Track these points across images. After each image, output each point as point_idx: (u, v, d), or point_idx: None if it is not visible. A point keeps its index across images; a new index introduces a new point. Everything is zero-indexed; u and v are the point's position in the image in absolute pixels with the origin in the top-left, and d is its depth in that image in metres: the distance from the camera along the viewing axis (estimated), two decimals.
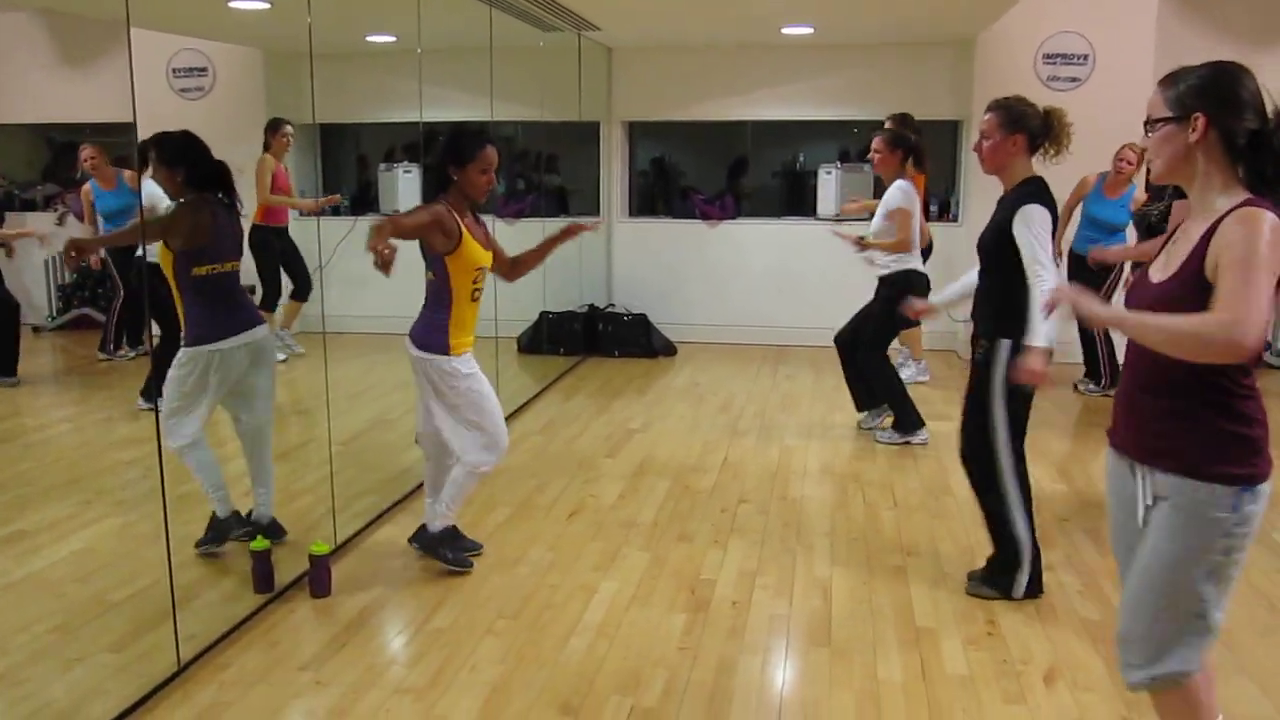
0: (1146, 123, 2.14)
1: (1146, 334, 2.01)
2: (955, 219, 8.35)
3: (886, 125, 6.46)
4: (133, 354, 6.54)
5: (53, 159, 7.98)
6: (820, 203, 8.52)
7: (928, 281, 5.73)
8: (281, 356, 6.44)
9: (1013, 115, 3.46)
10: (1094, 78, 7.37)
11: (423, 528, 4.02)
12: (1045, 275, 3.34)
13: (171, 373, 3.78)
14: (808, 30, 7.59)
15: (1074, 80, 7.42)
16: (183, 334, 3.78)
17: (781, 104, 8.60)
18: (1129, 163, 6.29)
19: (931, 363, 7.29)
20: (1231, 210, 2.00)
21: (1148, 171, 5.63)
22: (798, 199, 9.44)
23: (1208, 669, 2.22)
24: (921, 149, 5.82)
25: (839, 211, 5.79)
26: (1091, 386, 6.78)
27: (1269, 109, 2.04)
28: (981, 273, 3.63)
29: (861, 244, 5.66)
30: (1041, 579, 3.66)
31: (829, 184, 8.43)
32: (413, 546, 4.08)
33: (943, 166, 8.87)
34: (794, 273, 8.51)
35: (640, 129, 9.36)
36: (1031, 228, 3.38)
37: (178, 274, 3.71)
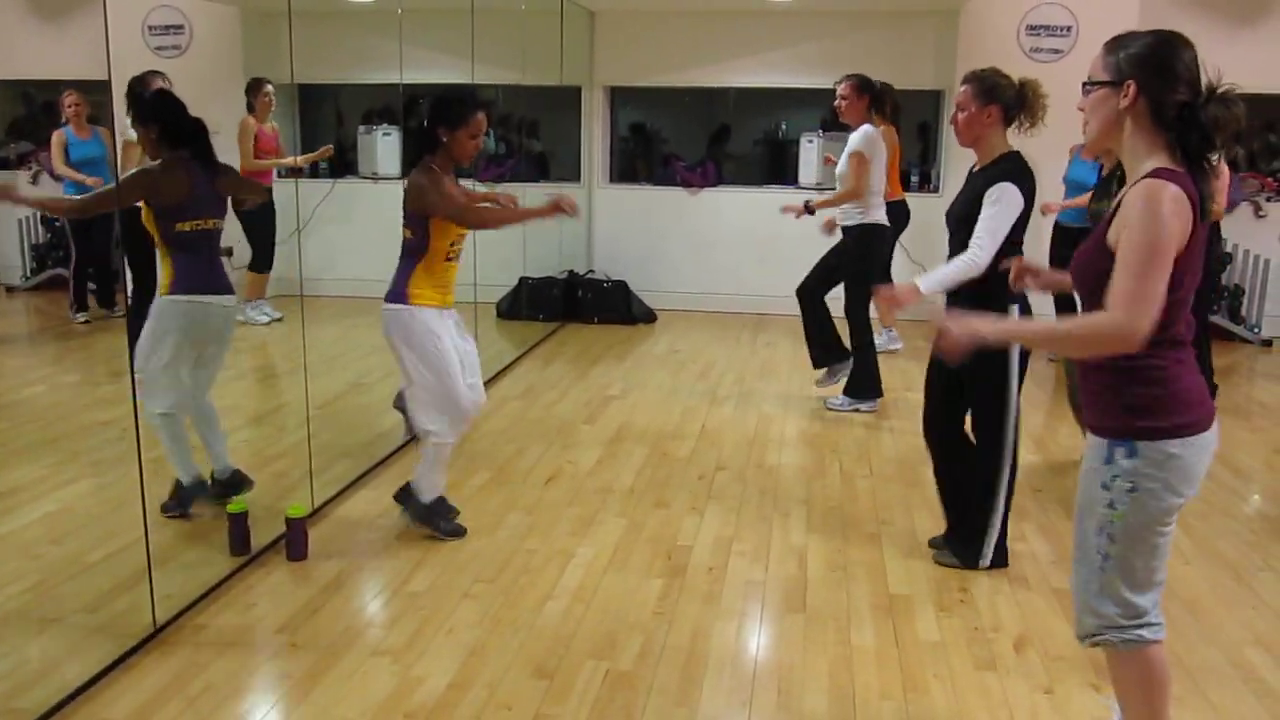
0: (1085, 83, 2.19)
1: (1042, 342, 2.04)
2: (936, 190, 8.37)
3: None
4: (85, 319, 6.45)
5: (28, 116, 7.86)
6: (802, 170, 8.52)
7: (892, 236, 5.72)
8: (264, 320, 6.41)
9: (987, 86, 3.46)
10: (1076, 50, 7.36)
11: (409, 490, 3.96)
12: (981, 254, 3.37)
13: (149, 326, 3.74)
14: None
15: (1056, 52, 7.42)
16: (170, 284, 3.74)
17: (764, 71, 8.56)
18: None
19: (907, 333, 7.33)
20: (1140, 180, 2.04)
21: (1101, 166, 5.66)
22: (779, 167, 9.42)
23: (1160, 644, 2.24)
24: (889, 98, 5.75)
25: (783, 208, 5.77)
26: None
27: (1202, 83, 2.07)
28: (951, 244, 3.63)
29: (809, 209, 5.62)
30: (1007, 551, 3.71)
31: (811, 152, 8.42)
32: (400, 508, 4.01)
33: (923, 137, 8.89)
34: (774, 241, 8.50)
35: (622, 94, 9.29)
36: (1000, 205, 3.40)
37: (161, 230, 3.69)
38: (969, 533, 3.68)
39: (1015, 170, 3.44)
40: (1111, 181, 4.73)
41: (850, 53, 8.28)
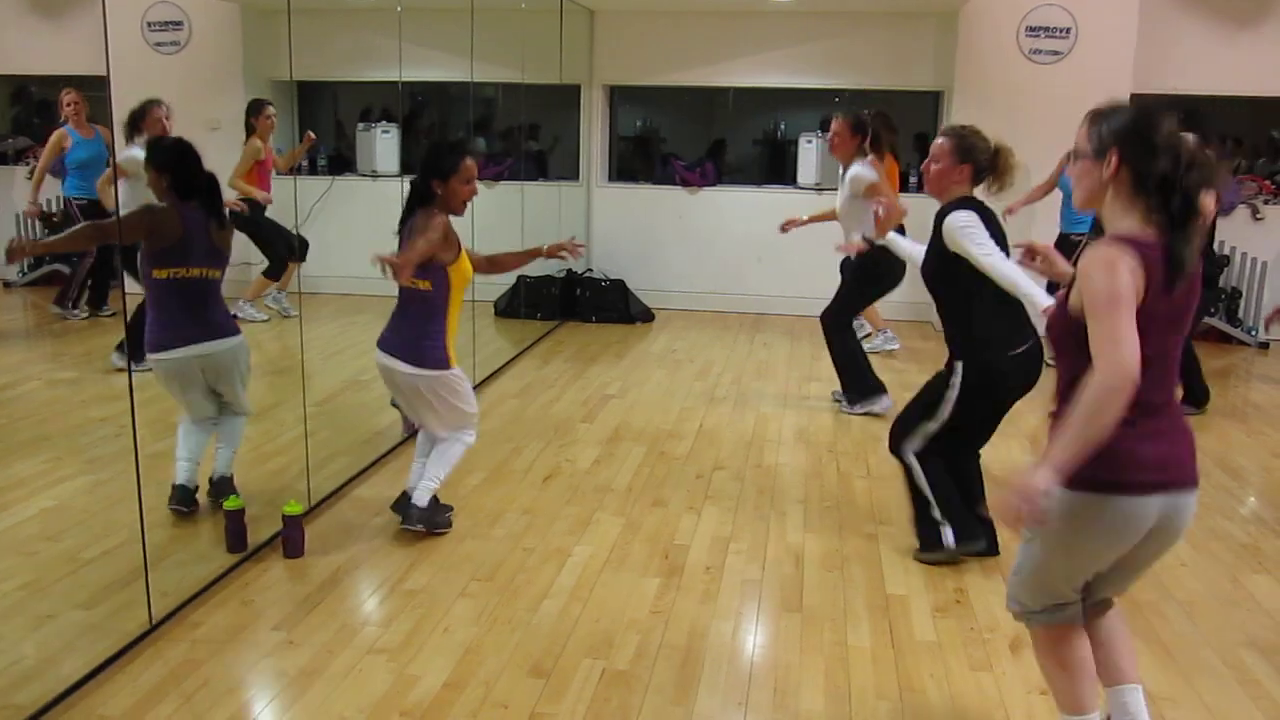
0: (1073, 154, 2.27)
1: (1077, 445, 2.04)
2: None
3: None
4: (86, 315, 6.43)
5: (24, 111, 7.84)
6: (800, 171, 8.52)
7: (901, 267, 5.72)
8: (263, 317, 6.41)
9: (965, 146, 3.56)
10: (1076, 51, 7.36)
11: (407, 499, 3.92)
12: (995, 257, 3.42)
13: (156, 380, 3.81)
14: None
15: (1056, 54, 7.42)
16: (146, 340, 3.73)
17: (763, 71, 8.56)
18: None
19: (905, 334, 7.32)
20: (1097, 246, 2.12)
21: None
22: (778, 167, 9.43)
23: (1072, 627, 2.38)
24: (881, 137, 5.73)
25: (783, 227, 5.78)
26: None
27: (1183, 154, 2.12)
28: (939, 301, 3.71)
29: (869, 244, 4.98)
30: (996, 537, 3.75)
31: (809, 152, 8.43)
32: (400, 519, 3.95)
33: (922, 137, 8.89)
34: (773, 241, 8.42)
35: (621, 94, 9.29)
36: (959, 228, 3.46)
37: (142, 272, 3.68)
38: (922, 520, 3.77)
39: (966, 203, 3.52)
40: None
41: (850, 53, 8.29)
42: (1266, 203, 7.89)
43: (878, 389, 5.71)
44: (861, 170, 5.53)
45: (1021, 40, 7.48)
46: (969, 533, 3.70)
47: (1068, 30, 7.41)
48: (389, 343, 3.75)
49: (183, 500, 3.89)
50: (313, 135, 7.10)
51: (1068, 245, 6.25)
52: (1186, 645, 3.18)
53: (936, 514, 3.70)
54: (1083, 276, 2.10)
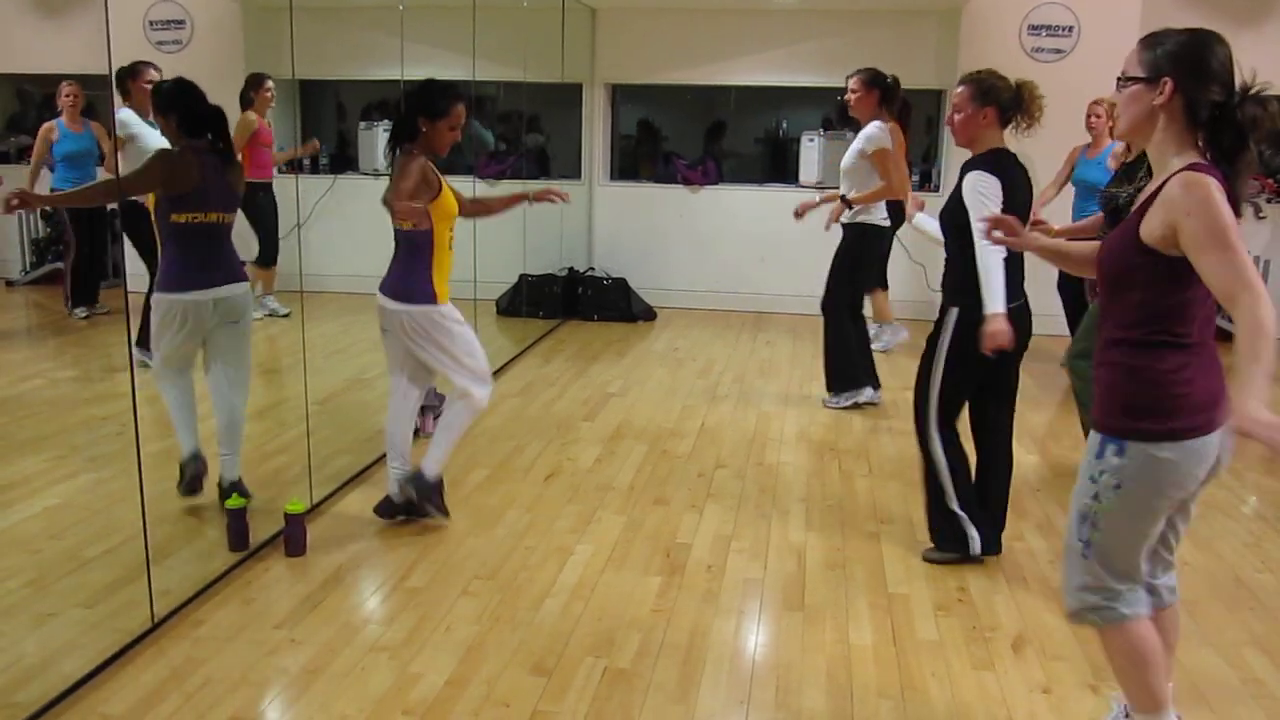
0: (1120, 78, 2.19)
1: (1265, 377, 1.94)
2: (937, 188, 8.36)
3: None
4: (85, 314, 6.44)
5: (23, 109, 7.85)
6: (802, 169, 8.52)
7: (889, 233, 5.70)
8: (285, 310, 6.42)
9: (984, 88, 3.48)
10: (1078, 50, 7.37)
11: (390, 503, 3.97)
12: (984, 244, 3.35)
13: (152, 316, 3.76)
14: None
15: (1058, 52, 7.42)
16: (159, 279, 3.73)
17: (765, 69, 8.56)
18: (1098, 117, 6.21)
19: (910, 331, 7.32)
20: (1176, 173, 2.06)
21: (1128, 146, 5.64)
22: (780, 165, 9.42)
23: (1141, 619, 2.32)
24: (898, 93, 5.71)
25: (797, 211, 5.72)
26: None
27: (1236, 83, 2.08)
28: (947, 245, 3.65)
29: (848, 204, 5.50)
30: (999, 539, 3.74)
31: (811, 151, 8.42)
32: (384, 521, 4.00)
33: (924, 136, 8.88)
34: (775, 239, 8.49)
35: (623, 92, 9.29)
36: (974, 191, 3.41)
37: (159, 218, 3.68)
38: (946, 528, 3.72)
39: (994, 161, 3.46)
40: (1138, 167, 4.71)
41: (852, 52, 8.26)
42: (1269, 201, 7.88)
43: (859, 380, 5.69)
44: (876, 132, 5.44)
45: (1024, 38, 7.48)
46: (997, 543, 3.71)
47: (1070, 29, 7.40)
48: (383, 283, 3.80)
49: (189, 468, 3.92)
50: (318, 144, 7.12)
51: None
52: (1189, 645, 3.17)
53: (954, 505, 3.65)
54: (1178, 205, 2.02)
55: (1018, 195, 3.44)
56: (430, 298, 3.73)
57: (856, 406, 5.71)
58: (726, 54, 8.56)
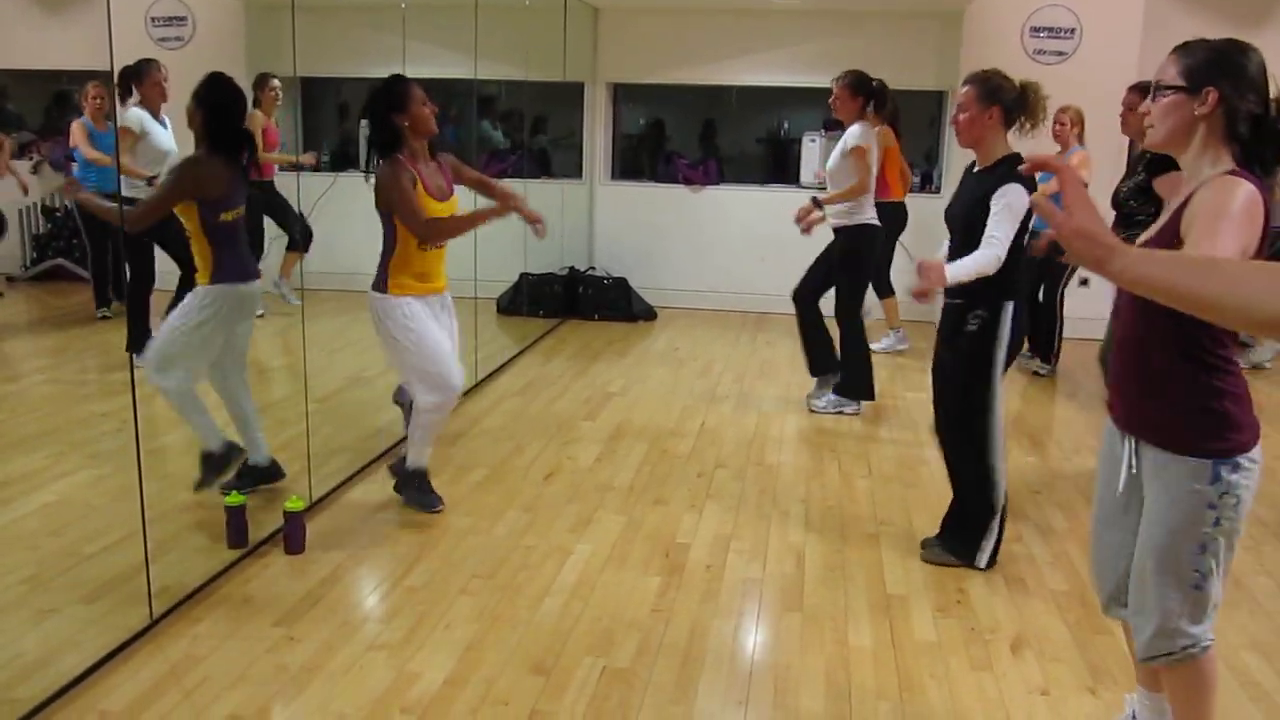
0: (1155, 87, 2.14)
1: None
2: (938, 189, 8.37)
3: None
4: (108, 314, 6.47)
5: (25, 107, 7.85)
6: (803, 170, 8.52)
7: (884, 235, 5.69)
8: (296, 300, 6.45)
9: (989, 88, 3.46)
10: (1080, 52, 7.36)
11: (402, 459, 4.13)
12: (999, 248, 3.36)
13: (191, 304, 3.79)
14: None
15: (1060, 54, 7.41)
16: (214, 273, 3.80)
17: (767, 70, 8.56)
18: (1062, 125, 6.16)
19: (911, 334, 7.33)
20: (1217, 175, 2.04)
21: (1130, 144, 5.62)
22: (781, 166, 9.42)
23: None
24: (885, 96, 5.67)
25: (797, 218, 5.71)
26: (1041, 369, 6.60)
27: (1272, 93, 2.06)
28: (954, 246, 3.62)
29: (818, 204, 5.50)
30: (998, 549, 3.72)
31: (812, 151, 8.42)
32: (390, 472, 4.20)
33: (925, 137, 8.89)
34: (776, 239, 8.47)
35: (625, 91, 9.29)
36: (1010, 205, 3.38)
37: (204, 221, 3.75)
38: (970, 531, 3.68)
39: (1020, 175, 3.43)
40: (1140, 162, 4.72)
41: (853, 53, 8.26)
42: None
43: (852, 389, 5.69)
44: (857, 130, 5.44)
45: (1026, 40, 7.47)
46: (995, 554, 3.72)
47: (1072, 30, 7.40)
48: None
49: (229, 460, 3.96)
50: (317, 157, 7.13)
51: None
52: None
53: (994, 526, 3.63)
54: (1210, 195, 1.99)
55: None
56: (382, 285, 3.81)
57: (841, 413, 5.68)
58: (728, 54, 8.56)
